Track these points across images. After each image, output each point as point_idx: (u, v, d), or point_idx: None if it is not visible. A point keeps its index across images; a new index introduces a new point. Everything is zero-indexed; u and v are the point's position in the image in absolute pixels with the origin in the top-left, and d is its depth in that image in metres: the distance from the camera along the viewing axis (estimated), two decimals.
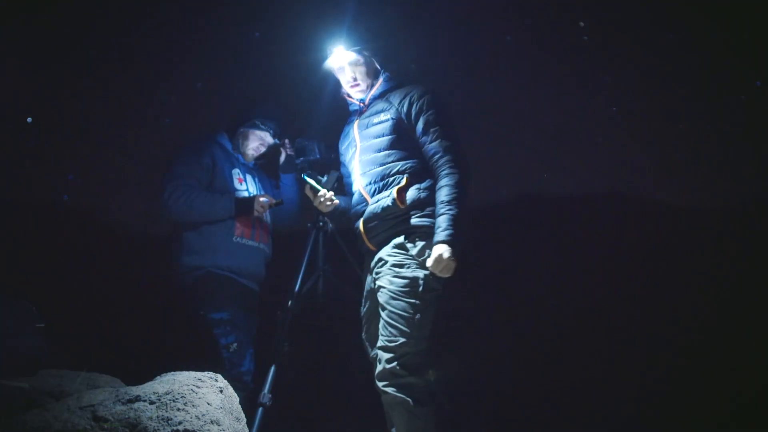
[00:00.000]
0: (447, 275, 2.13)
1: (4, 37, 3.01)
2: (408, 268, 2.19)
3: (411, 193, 2.25)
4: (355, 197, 2.41)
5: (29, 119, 3.22)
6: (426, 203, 2.24)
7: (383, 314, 2.18)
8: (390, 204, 2.25)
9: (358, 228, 2.37)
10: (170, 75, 3.49)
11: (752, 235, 2.96)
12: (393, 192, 2.25)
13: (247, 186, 2.74)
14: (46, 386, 1.84)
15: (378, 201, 2.29)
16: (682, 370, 2.70)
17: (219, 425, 1.66)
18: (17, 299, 2.06)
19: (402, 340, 2.10)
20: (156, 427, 1.57)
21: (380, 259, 2.27)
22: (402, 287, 2.16)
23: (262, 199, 2.66)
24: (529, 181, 3.49)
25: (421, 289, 2.15)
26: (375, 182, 2.32)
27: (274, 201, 2.71)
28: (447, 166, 2.23)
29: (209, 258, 2.57)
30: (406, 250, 2.22)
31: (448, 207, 2.15)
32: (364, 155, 2.38)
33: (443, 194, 2.18)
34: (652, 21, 3.28)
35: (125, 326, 2.95)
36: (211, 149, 2.70)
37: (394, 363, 2.09)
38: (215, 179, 2.65)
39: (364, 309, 2.37)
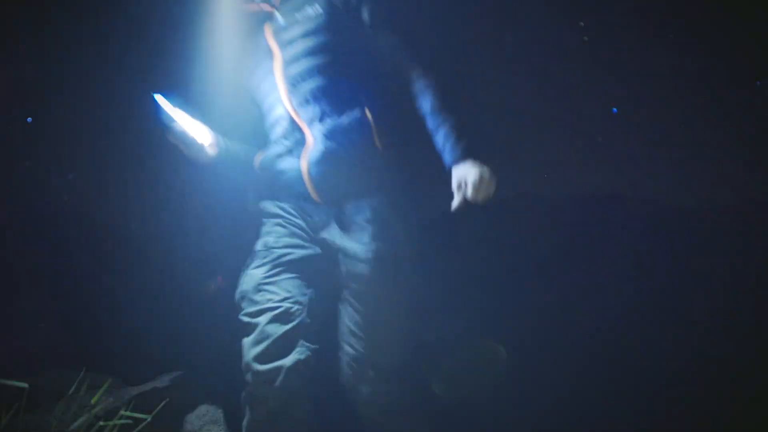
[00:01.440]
0: (489, 196, 1.58)
1: (5, 36, 3.01)
2: (396, 242, 1.64)
3: (384, 128, 1.68)
4: (281, 129, 1.74)
5: (29, 119, 3.22)
6: (397, 146, 1.70)
7: (359, 310, 1.65)
8: (360, 140, 1.65)
9: (296, 172, 1.69)
10: (171, 74, 3.49)
11: (752, 235, 2.96)
12: (369, 126, 1.66)
13: None
14: (46, 386, 1.84)
15: (333, 135, 1.66)
16: (680, 372, 2.70)
17: (219, 425, 1.66)
18: (19, 299, 2.07)
19: (393, 343, 1.65)
20: (156, 427, 1.57)
21: (350, 223, 1.67)
22: (390, 271, 1.63)
23: None
24: (527, 181, 3.49)
25: (411, 267, 1.67)
26: (314, 100, 1.68)
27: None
28: (417, 65, 1.69)
29: None
30: (392, 216, 1.65)
31: (444, 115, 1.63)
32: (292, 66, 1.71)
33: (429, 99, 1.65)
34: (651, 21, 3.28)
35: (126, 326, 2.95)
36: None
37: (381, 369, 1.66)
38: None
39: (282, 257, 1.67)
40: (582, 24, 3.31)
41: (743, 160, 3.22)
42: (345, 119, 1.67)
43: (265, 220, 1.77)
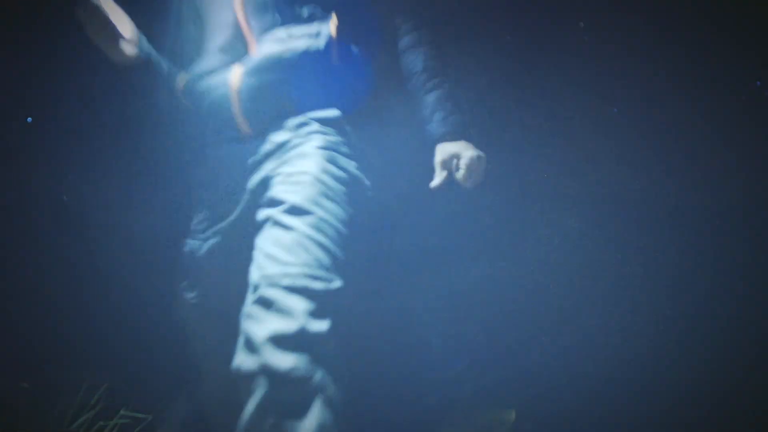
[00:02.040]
0: (478, 182, 1.33)
1: (4, 35, 3.01)
2: (343, 170, 1.25)
3: (348, 47, 1.31)
4: (220, 39, 1.34)
5: (29, 119, 3.22)
6: (358, 65, 1.32)
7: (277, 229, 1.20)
8: (311, 48, 1.25)
9: (222, 88, 1.27)
10: None
11: (753, 235, 2.96)
12: (329, 38, 1.26)
13: None
14: (46, 386, 1.85)
15: (280, 42, 1.28)
16: (673, 374, 2.70)
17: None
18: (19, 298, 2.07)
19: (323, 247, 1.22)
20: (156, 427, 1.57)
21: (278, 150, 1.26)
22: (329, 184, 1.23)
23: None
24: (527, 181, 3.49)
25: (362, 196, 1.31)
26: (275, 7, 1.31)
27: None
28: (413, 16, 1.41)
29: None
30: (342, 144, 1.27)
31: (439, 79, 1.35)
32: None
33: (422, 57, 1.36)
34: (651, 21, 3.28)
35: (125, 327, 2.95)
36: None
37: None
38: None
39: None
40: (582, 24, 3.31)
41: (743, 160, 3.22)
42: (301, 29, 1.30)
43: (198, 204, 1.45)
